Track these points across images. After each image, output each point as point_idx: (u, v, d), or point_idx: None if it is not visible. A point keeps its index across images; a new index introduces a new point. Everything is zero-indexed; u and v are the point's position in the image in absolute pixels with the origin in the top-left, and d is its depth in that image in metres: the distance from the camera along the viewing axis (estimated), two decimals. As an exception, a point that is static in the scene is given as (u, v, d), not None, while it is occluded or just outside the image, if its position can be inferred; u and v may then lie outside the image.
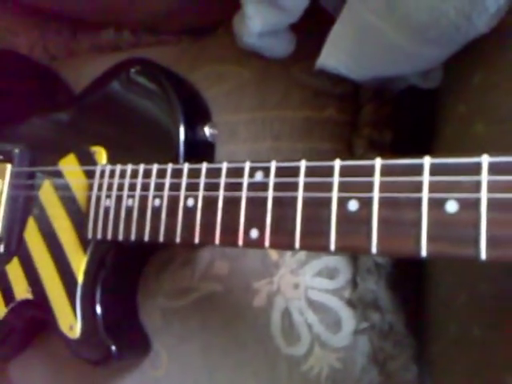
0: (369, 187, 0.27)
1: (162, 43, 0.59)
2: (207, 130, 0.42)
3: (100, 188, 0.40)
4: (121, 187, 0.39)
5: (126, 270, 0.45)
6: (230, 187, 0.33)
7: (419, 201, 0.26)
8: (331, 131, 0.45)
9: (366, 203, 0.27)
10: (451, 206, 0.25)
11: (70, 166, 0.44)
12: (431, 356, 0.39)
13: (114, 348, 0.41)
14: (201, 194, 0.34)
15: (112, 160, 0.42)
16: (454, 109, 0.37)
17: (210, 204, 0.33)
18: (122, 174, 0.39)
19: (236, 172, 0.33)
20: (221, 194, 0.33)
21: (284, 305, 0.42)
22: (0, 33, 0.72)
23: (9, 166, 0.48)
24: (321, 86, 0.47)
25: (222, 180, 0.33)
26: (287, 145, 0.45)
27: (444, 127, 0.39)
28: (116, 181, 0.39)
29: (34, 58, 0.66)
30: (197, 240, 0.33)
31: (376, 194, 0.27)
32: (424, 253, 0.25)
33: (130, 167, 0.39)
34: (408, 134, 0.45)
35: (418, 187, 0.26)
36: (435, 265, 0.40)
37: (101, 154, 0.43)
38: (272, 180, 0.31)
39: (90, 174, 0.42)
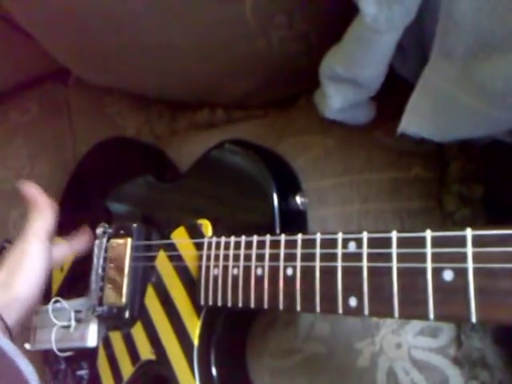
0: (462, 258, 0.28)
1: (251, 117, 0.64)
2: (298, 199, 0.45)
3: (208, 259, 0.43)
4: (226, 258, 0.41)
5: (236, 332, 0.48)
6: (325, 258, 0.34)
7: (514, 271, 0.26)
8: (419, 189, 0.46)
9: (460, 273, 0.28)
10: (548, 276, 0.25)
11: (181, 238, 0.49)
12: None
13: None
14: (298, 264, 0.36)
15: (216, 230, 0.46)
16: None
17: (307, 273, 0.35)
18: (227, 246, 0.42)
19: (330, 243, 0.34)
20: (317, 264, 0.34)
21: (388, 365, 0.43)
22: (112, 117, 0.83)
23: (129, 240, 0.53)
24: (404, 147, 0.48)
25: (317, 251, 0.35)
26: (375, 206, 0.47)
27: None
28: (222, 252, 0.42)
29: (141, 138, 0.76)
30: (299, 308, 0.35)
31: (470, 265, 0.28)
32: (525, 322, 0.26)
33: (233, 239, 0.42)
34: (499, 186, 0.45)
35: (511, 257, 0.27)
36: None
37: (207, 227, 0.47)
38: (365, 251, 0.32)
39: (199, 246, 0.45)
